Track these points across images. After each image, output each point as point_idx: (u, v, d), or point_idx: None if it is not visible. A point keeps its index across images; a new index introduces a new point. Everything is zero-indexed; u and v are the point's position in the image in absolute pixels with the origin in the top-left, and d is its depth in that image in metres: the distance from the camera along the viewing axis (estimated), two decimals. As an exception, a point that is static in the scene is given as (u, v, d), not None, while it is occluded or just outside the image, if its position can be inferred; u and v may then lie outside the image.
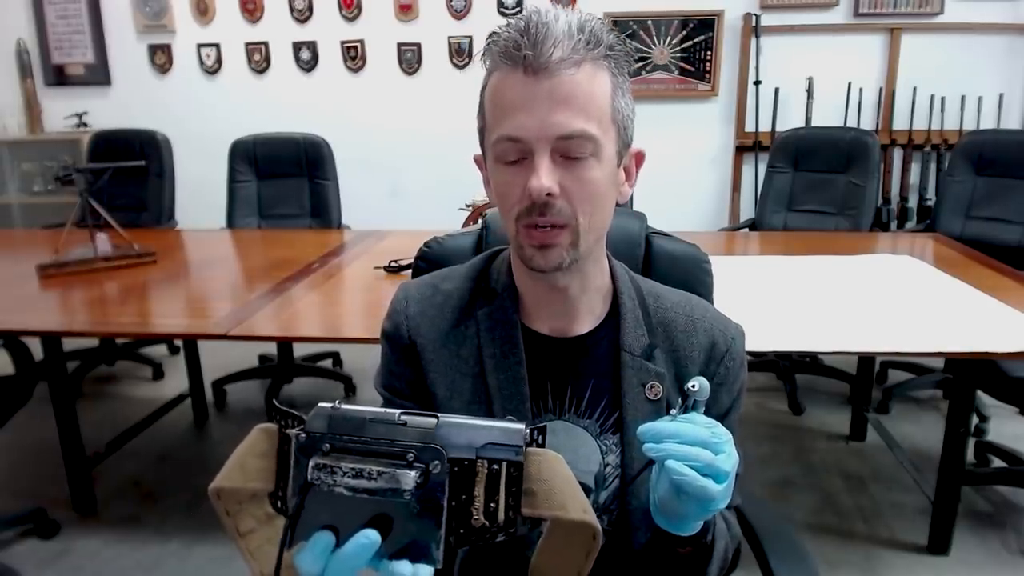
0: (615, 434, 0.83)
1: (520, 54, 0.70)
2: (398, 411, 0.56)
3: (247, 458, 0.58)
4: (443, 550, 0.54)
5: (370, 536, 0.52)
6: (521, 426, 0.55)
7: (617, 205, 0.82)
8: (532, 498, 0.56)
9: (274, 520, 0.60)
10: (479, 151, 0.82)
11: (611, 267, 0.87)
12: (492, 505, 0.55)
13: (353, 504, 0.53)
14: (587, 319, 0.84)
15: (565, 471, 0.57)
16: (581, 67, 0.71)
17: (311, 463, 0.53)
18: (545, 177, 0.71)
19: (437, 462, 0.53)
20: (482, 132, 0.78)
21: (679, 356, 0.84)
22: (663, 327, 0.85)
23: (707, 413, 0.82)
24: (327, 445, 0.54)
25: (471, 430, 0.55)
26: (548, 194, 0.71)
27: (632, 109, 0.78)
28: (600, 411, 0.83)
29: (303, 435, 0.55)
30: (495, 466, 0.54)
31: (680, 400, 0.69)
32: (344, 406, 0.56)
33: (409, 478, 0.52)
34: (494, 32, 0.74)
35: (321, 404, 0.56)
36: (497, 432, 0.55)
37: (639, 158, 0.82)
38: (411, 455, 0.53)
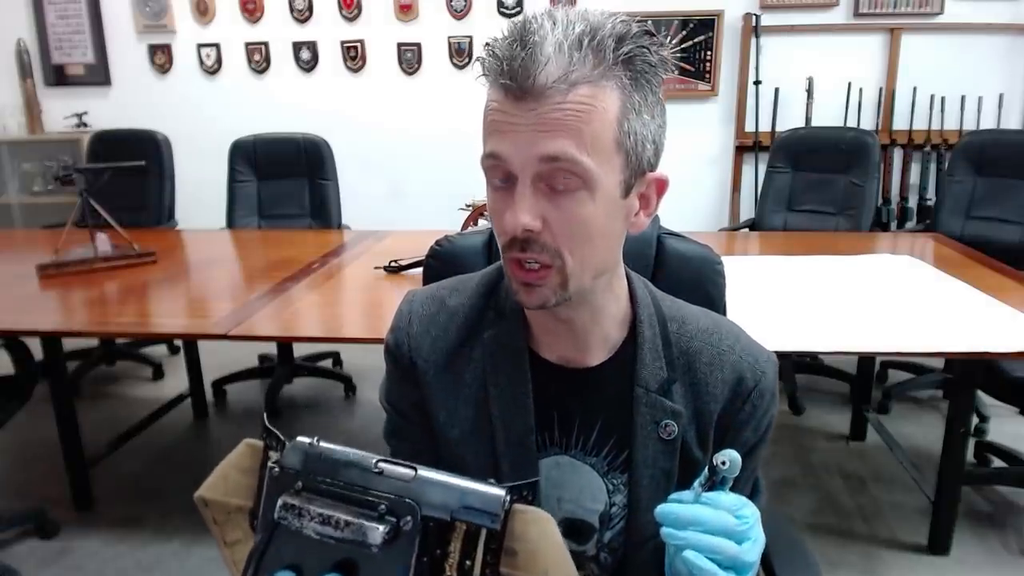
0: (623, 473, 0.78)
1: (508, 73, 0.62)
2: (376, 457, 0.53)
3: (230, 471, 0.57)
4: None
5: None
6: (501, 492, 0.52)
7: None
8: (512, 558, 0.52)
9: None
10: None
11: (631, 290, 0.79)
12: (467, 563, 0.52)
13: (320, 546, 0.51)
14: (600, 349, 0.78)
15: (554, 534, 0.53)
16: (575, 90, 0.62)
17: (279, 502, 0.52)
18: (523, 212, 0.64)
19: (409, 518, 0.51)
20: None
21: (700, 391, 0.77)
22: (685, 358, 0.78)
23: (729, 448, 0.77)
24: (299, 483, 0.52)
25: (448, 490, 0.52)
26: (528, 230, 0.65)
27: (655, 128, 0.68)
28: (609, 449, 0.78)
29: (276, 469, 0.53)
30: (475, 522, 0.52)
31: (707, 474, 0.62)
32: (323, 444, 0.54)
33: (377, 534, 0.50)
34: (486, 44, 0.66)
35: (300, 439, 0.54)
36: (475, 496, 0.52)
37: (659, 186, 0.72)
38: (383, 507, 0.51)
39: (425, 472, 0.53)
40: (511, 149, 0.64)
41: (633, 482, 0.77)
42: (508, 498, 0.52)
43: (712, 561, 0.61)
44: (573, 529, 0.79)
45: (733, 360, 0.78)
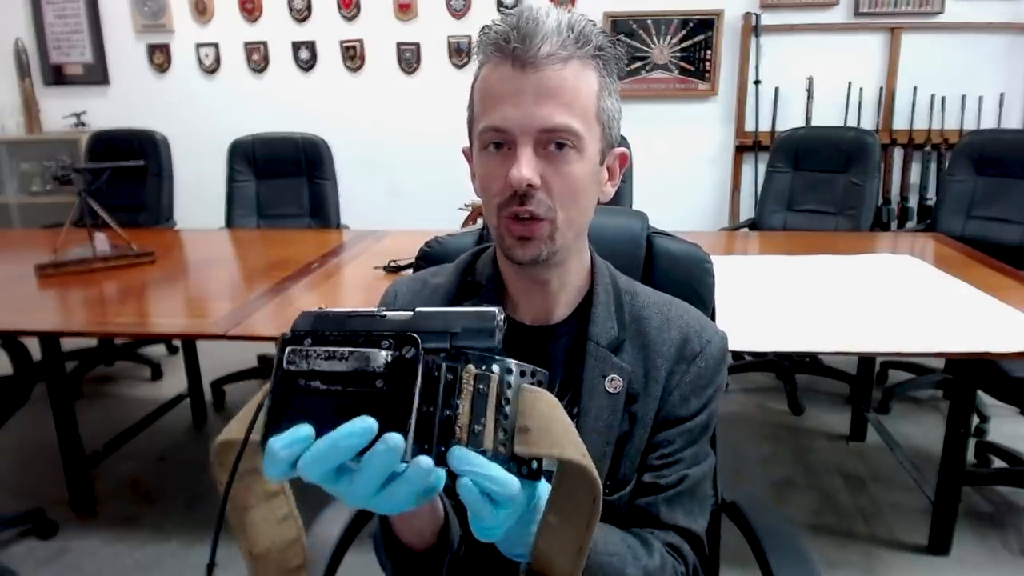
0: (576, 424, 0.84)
1: (509, 47, 0.72)
2: (380, 308, 0.55)
3: (252, 409, 0.55)
4: (411, 443, 0.49)
5: (367, 422, 0.48)
6: (494, 310, 0.53)
7: (599, 204, 0.83)
8: (526, 435, 0.52)
9: (273, 498, 0.58)
10: (467, 144, 0.83)
11: (593, 264, 0.87)
12: (477, 427, 0.51)
13: (327, 401, 0.50)
14: (564, 311, 0.86)
15: (562, 416, 0.54)
16: (568, 63, 0.72)
17: (287, 350, 0.52)
18: (526, 168, 0.72)
19: (410, 347, 0.51)
20: (470, 123, 0.80)
21: (649, 351, 0.84)
22: (636, 322, 0.85)
23: (673, 412, 0.84)
24: (309, 340, 0.52)
25: (446, 317, 0.53)
26: (529, 185, 0.73)
27: (619, 111, 0.79)
28: (567, 400, 0.83)
29: (288, 334, 0.53)
30: (481, 386, 0.52)
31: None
32: (331, 309, 0.55)
33: (379, 356, 0.50)
34: (486, 25, 0.75)
35: (305, 310, 0.55)
36: (470, 317, 0.53)
37: (623, 159, 0.83)
38: (386, 342, 0.51)
39: (423, 309, 0.54)
40: (515, 114, 0.72)
41: (578, 429, 0.79)
42: (502, 316, 0.53)
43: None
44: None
45: (681, 324, 0.86)
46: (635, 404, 0.82)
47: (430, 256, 1.07)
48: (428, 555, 0.71)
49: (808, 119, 3.55)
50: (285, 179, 3.14)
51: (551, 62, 0.71)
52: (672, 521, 0.82)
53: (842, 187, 2.96)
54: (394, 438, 0.48)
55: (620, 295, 0.87)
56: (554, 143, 0.73)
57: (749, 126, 3.66)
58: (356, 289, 2.18)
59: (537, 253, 0.76)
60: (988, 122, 3.47)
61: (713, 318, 1.04)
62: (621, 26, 3.62)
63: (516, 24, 0.72)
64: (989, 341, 1.60)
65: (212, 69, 3.95)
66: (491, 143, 0.75)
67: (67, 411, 2.20)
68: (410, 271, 1.06)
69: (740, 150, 3.72)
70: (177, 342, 3.35)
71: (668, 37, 3.62)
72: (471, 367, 0.52)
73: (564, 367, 0.84)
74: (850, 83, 3.53)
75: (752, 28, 3.53)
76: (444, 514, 0.71)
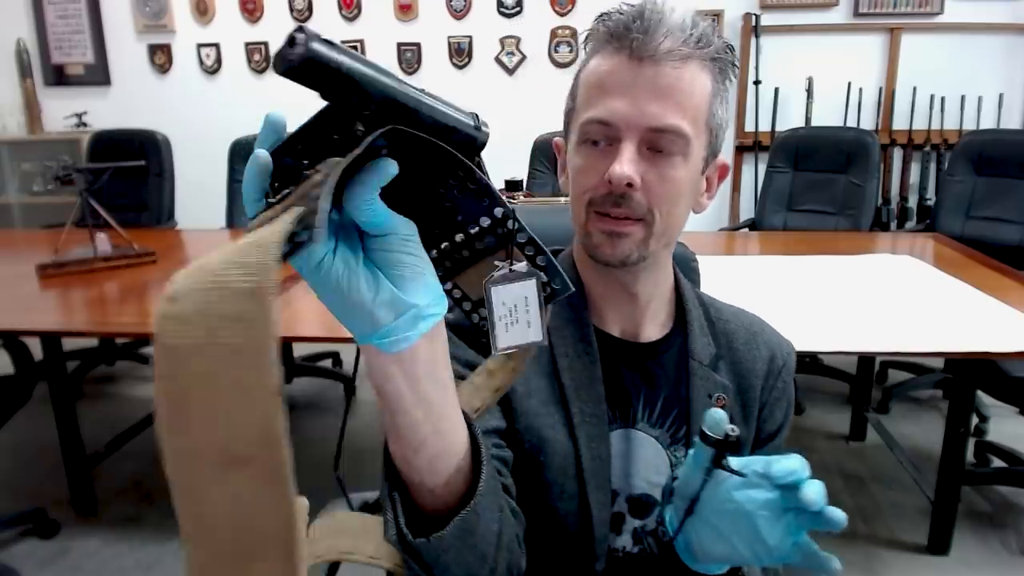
0: (685, 447, 0.80)
1: (629, 37, 0.69)
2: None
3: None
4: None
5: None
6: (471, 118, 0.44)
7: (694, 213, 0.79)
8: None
9: None
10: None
11: (676, 277, 0.85)
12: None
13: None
14: (652, 325, 0.82)
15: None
16: (687, 63, 0.69)
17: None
18: (628, 165, 0.68)
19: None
20: (569, 114, 0.77)
21: (741, 368, 0.83)
22: (725, 338, 0.84)
23: (764, 429, 0.86)
24: None
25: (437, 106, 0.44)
26: (628, 184, 0.69)
27: (727, 120, 0.76)
28: (671, 421, 0.80)
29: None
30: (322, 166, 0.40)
31: (712, 449, 0.62)
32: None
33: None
34: (604, 13, 0.72)
35: None
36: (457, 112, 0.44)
37: (723, 171, 0.80)
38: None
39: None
40: (623, 108, 0.69)
41: None
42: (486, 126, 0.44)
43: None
44: (639, 505, 0.80)
45: (765, 340, 0.85)
46: (736, 422, 0.81)
47: None
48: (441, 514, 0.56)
49: (808, 119, 3.56)
50: (286, 179, 3.14)
51: (670, 58, 0.68)
52: None
53: (842, 187, 2.97)
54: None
55: (707, 308, 0.85)
56: (661, 144, 0.69)
57: (749, 126, 3.66)
58: (357, 289, 2.19)
59: (628, 253, 0.72)
60: (987, 122, 3.47)
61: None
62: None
63: (640, 15, 0.69)
64: (989, 341, 1.60)
65: (213, 69, 3.96)
66: (592, 136, 0.72)
67: (68, 411, 2.20)
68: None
69: (740, 150, 3.72)
70: (178, 342, 3.35)
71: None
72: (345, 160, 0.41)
73: (668, 385, 0.81)
74: (850, 83, 3.53)
75: (752, 28, 3.53)
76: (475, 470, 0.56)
